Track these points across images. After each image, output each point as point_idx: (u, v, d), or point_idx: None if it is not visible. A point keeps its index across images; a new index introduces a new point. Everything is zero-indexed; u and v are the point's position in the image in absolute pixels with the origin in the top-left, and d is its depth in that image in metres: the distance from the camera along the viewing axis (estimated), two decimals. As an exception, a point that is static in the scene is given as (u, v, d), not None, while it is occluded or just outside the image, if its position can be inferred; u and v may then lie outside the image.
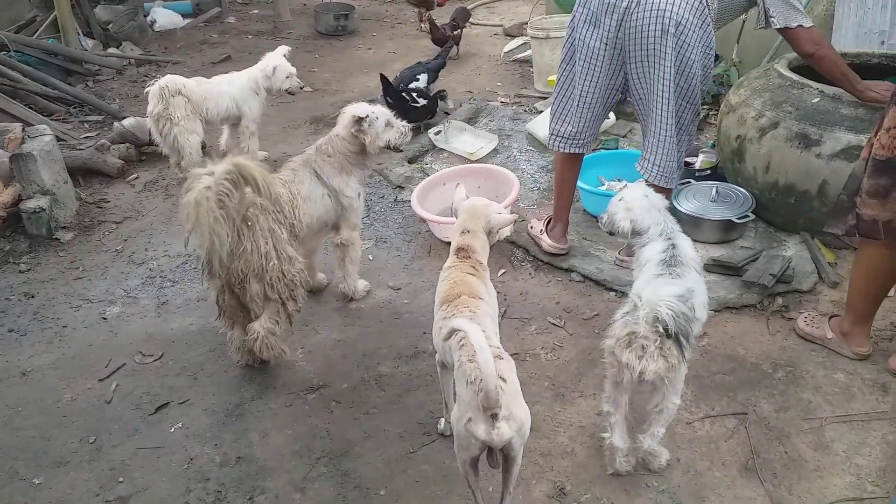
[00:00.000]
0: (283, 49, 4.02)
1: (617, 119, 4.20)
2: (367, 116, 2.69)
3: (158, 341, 2.75)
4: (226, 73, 4.06)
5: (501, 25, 6.26)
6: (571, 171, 3.01)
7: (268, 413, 2.39)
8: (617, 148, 3.99)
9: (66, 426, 2.39)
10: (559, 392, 2.41)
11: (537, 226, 3.18)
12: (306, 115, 4.76)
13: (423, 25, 6.20)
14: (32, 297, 3.06)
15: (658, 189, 2.75)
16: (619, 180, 3.54)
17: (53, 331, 2.86)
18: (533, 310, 2.81)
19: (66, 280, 3.16)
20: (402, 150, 2.98)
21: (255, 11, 6.81)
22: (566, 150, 2.91)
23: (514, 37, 6.01)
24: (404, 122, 2.84)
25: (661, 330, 1.84)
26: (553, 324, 2.72)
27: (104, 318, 2.91)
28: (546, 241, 3.08)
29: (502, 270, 3.06)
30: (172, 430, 2.35)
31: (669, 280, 2.05)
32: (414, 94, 4.39)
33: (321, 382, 2.50)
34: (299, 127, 4.62)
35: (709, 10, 2.56)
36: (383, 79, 4.38)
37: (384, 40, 6.13)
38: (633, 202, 2.31)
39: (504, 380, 1.70)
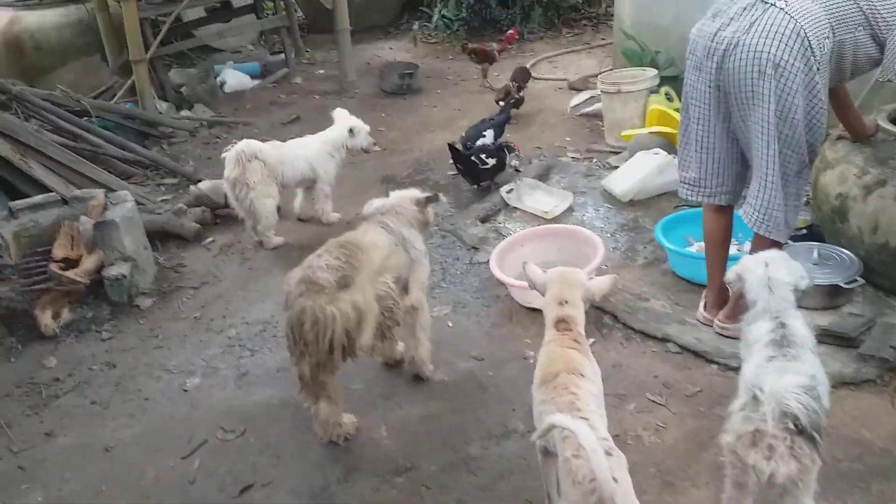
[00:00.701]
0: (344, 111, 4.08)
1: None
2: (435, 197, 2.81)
3: (240, 415, 2.68)
4: (297, 135, 4.10)
5: (566, 79, 6.21)
6: (715, 225, 2.86)
7: (355, 498, 2.28)
8: (700, 206, 3.83)
9: (150, 507, 2.32)
10: (667, 480, 2.23)
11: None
12: (376, 175, 4.75)
13: (486, 82, 6.21)
14: (114, 366, 3.05)
15: (764, 241, 2.60)
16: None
17: (135, 403, 2.82)
18: (629, 385, 2.64)
19: (146, 349, 3.14)
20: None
21: (321, 72, 6.93)
22: (694, 197, 2.85)
23: (579, 91, 5.93)
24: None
25: (792, 426, 1.66)
26: (653, 401, 2.55)
27: (185, 390, 2.86)
28: (700, 313, 2.93)
29: (591, 340, 2.89)
30: (258, 514, 2.25)
31: (785, 364, 1.87)
32: (483, 156, 4.33)
33: (408, 464, 2.38)
34: (370, 188, 4.59)
35: (814, 55, 2.42)
36: (451, 148, 4.36)
37: (448, 98, 6.14)
38: (745, 269, 2.14)
39: (616, 480, 1.55)
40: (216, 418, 2.67)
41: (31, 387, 2.99)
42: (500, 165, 4.38)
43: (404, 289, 2.69)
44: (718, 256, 2.86)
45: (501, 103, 5.30)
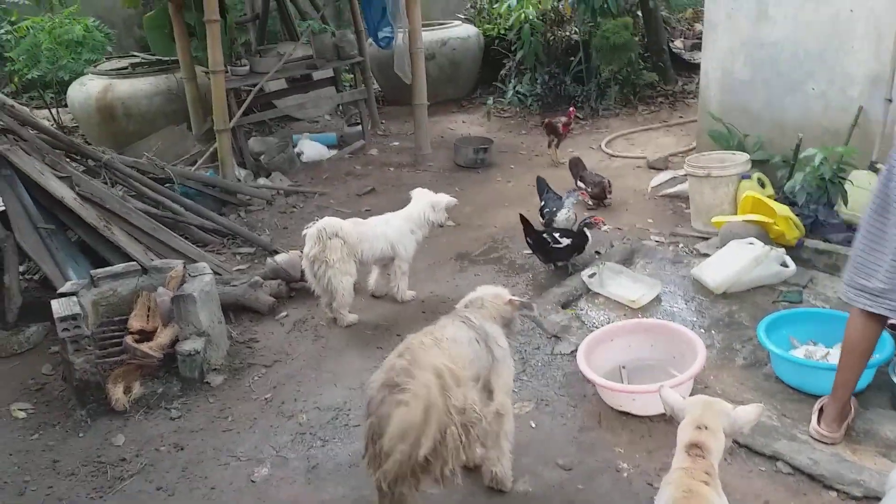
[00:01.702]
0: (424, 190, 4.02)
1: (797, 267, 3.79)
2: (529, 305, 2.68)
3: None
4: (372, 206, 4.05)
5: (644, 157, 6.06)
6: (866, 334, 2.55)
7: None
8: (801, 301, 3.57)
9: None
10: None
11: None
12: (451, 251, 4.65)
13: (555, 155, 6.16)
14: (182, 449, 2.94)
15: None
16: (814, 343, 3.16)
17: (202, 492, 2.69)
18: (738, 510, 2.37)
19: (215, 431, 3.03)
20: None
21: (396, 143, 6.98)
22: (868, 308, 2.50)
23: (659, 170, 5.78)
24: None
25: None
26: (767, 533, 2.27)
27: (252, 481, 2.72)
28: (814, 427, 2.65)
29: (691, 452, 2.65)
30: None
31: None
32: (556, 235, 4.17)
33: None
34: (445, 264, 4.49)
35: None
36: (523, 219, 4.24)
37: (522, 173, 6.06)
38: None
39: None
40: (285, 517, 2.52)
41: (98, 466, 2.90)
42: (578, 248, 4.20)
43: (486, 389, 2.51)
44: (857, 367, 2.58)
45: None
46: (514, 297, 2.63)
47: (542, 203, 4.83)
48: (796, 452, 2.56)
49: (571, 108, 6.42)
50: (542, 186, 4.95)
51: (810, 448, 2.58)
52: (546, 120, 6.34)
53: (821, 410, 2.69)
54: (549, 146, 6.25)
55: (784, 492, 2.43)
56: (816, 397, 2.80)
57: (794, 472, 2.51)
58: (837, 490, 2.41)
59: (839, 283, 3.57)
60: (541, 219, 4.74)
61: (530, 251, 4.36)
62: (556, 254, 4.17)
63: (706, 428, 1.88)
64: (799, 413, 2.78)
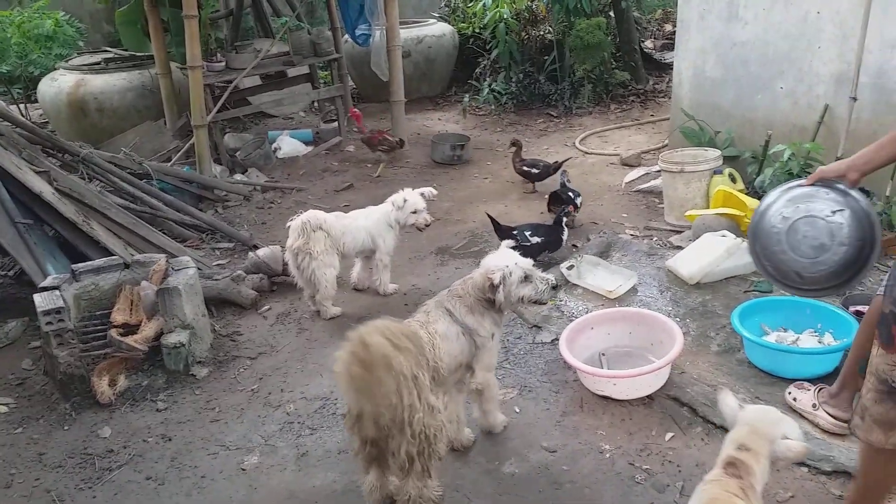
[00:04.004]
0: (425, 190, 4.01)
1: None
2: (502, 282, 2.53)
3: (301, 501, 2.55)
4: (350, 202, 4.07)
5: (618, 155, 6.19)
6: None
7: None
8: (772, 291, 3.70)
9: None
10: None
11: (804, 397, 2.76)
12: (431, 245, 4.71)
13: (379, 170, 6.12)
14: (170, 439, 2.95)
15: None
16: (784, 329, 3.28)
17: (192, 481, 2.71)
18: (716, 486, 2.46)
19: (203, 422, 3.05)
20: (544, 303, 2.75)
21: (372, 139, 7.03)
22: None
23: (632, 167, 5.91)
24: (547, 276, 2.65)
25: None
26: (744, 507, 2.37)
27: (242, 469, 2.74)
28: (825, 418, 2.66)
29: (670, 434, 2.75)
30: None
31: None
32: (527, 233, 4.25)
33: (484, 566, 2.23)
34: (425, 258, 4.55)
35: None
36: (491, 219, 4.32)
37: (499, 170, 6.14)
38: None
39: None
40: (277, 503, 2.54)
41: (85, 458, 2.90)
42: (552, 244, 4.29)
43: (468, 368, 2.64)
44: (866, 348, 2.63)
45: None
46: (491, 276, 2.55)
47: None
48: (770, 432, 2.66)
49: (353, 110, 6.49)
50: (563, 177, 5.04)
51: (783, 428, 2.69)
52: (363, 138, 6.30)
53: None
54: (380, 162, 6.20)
55: (759, 469, 2.53)
56: (787, 380, 2.92)
57: (768, 450, 2.61)
58: (808, 466, 2.52)
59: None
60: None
61: (512, 246, 4.44)
62: (526, 251, 4.23)
63: (748, 450, 1.81)
64: (770, 395, 2.89)
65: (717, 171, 4.53)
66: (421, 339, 2.31)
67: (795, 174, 4.21)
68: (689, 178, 4.55)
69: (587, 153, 6.42)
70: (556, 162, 5.46)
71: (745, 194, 4.38)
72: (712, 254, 3.83)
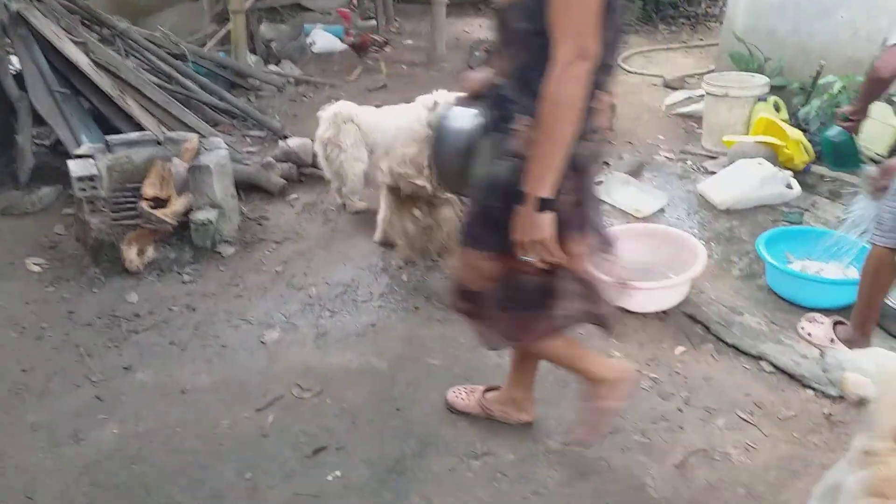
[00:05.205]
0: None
1: (802, 191, 3.85)
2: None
3: (317, 375, 2.65)
4: (384, 102, 4.03)
5: (661, 76, 6.01)
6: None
7: (430, 476, 2.22)
8: (801, 222, 3.65)
9: (223, 456, 2.31)
10: (758, 504, 2.11)
11: (818, 331, 2.75)
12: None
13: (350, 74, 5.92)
14: (194, 310, 3.06)
15: None
16: (809, 259, 3.26)
17: (213, 349, 2.82)
18: (720, 400, 2.52)
19: (226, 297, 3.14)
20: None
21: (409, 42, 6.87)
22: None
23: (675, 89, 5.74)
24: None
25: None
26: (744, 420, 2.42)
27: (262, 343, 2.85)
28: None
29: (681, 348, 2.79)
30: (330, 478, 2.22)
31: None
32: None
33: (485, 449, 2.31)
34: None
35: None
36: None
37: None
38: None
39: None
40: (293, 375, 2.65)
41: (112, 319, 3.02)
42: None
43: None
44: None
45: None
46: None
47: None
48: (780, 354, 2.69)
49: (340, 10, 6.37)
50: None
51: (793, 352, 2.72)
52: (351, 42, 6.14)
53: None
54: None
55: (765, 388, 2.57)
56: (805, 308, 2.93)
57: (776, 371, 2.64)
58: (814, 389, 2.55)
59: (838, 208, 3.68)
60: None
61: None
62: None
63: None
64: (787, 321, 2.90)
65: (761, 99, 4.38)
66: None
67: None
68: (733, 104, 4.41)
69: (630, 72, 6.23)
70: None
71: (788, 124, 4.25)
72: (746, 181, 3.76)
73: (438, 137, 2.03)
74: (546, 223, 1.72)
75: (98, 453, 2.33)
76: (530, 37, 1.68)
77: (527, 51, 1.71)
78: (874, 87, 2.66)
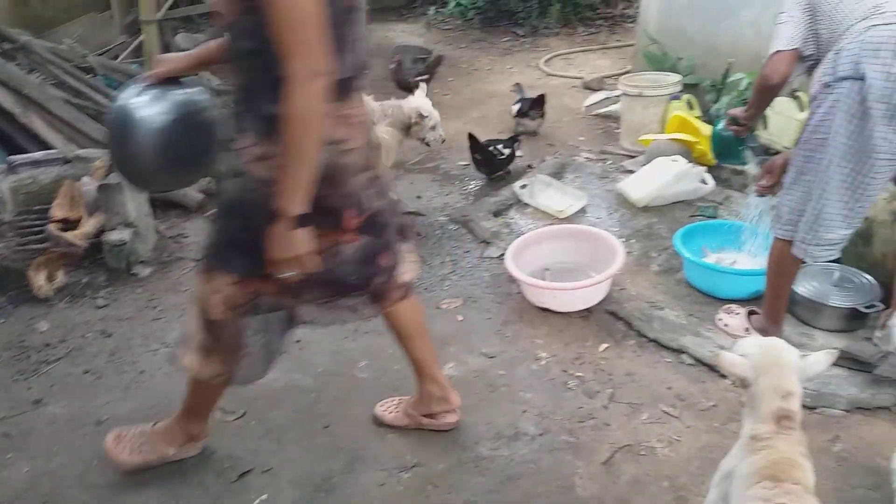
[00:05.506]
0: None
1: (715, 186, 3.99)
2: (428, 116, 3.69)
3: (240, 397, 2.57)
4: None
5: (581, 78, 6.13)
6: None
7: (359, 491, 2.20)
8: (716, 216, 3.78)
9: (143, 487, 2.22)
10: (681, 495, 2.16)
11: (734, 322, 2.85)
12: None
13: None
14: (109, 335, 2.94)
15: None
16: (723, 252, 3.37)
17: (130, 376, 2.71)
18: (643, 394, 2.58)
19: (143, 320, 3.03)
20: (430, 146, 3.95)
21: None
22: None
23: (594, 90, 5.86)
24: (441, 134, 3.83)
25: None
26: (667, 413, 2.49)
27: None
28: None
29: (605, 345, 2.84)
30: (257, 502, 2.16)
31: None
32: (500, 147, 4.36)
33: (415, 460, 2.30)
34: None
35: None
36: (471, 137, 4.34)
37: (461, 87, 6.04)
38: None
39: None
40: (215, 398, 2.57)
41: (21, 350, 2.88)
42: (512, 157, 4.40)
43: None
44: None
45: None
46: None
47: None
48: (699, 346, 2.77)
49: None
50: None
51: (712, 343, 2.80)
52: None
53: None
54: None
55: (686, 380, 2.65)
56: (722, 300, 3.03)
57: (696, 363, 2.73)
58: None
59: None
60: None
61: (466, 163, 4.47)
62: (500, 165, 4.36)
63: (793, 395, 1.59)
64: (704, 313, 2.99)
65: (674, 97, 4.53)
66: None
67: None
68: (648, 103, 4.54)
69: (551, 75, 6.34)
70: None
71: (701, 121, 4.40)
72: (662, 178, 3.87)
73: (124, 126, 1.90)
74: (302, 239, 1.72)
75: (7, 495, 2.21)
76: (252, 56, 1.69)
77: (249, 70, 1.73)
78: (766, 95, 2.66)
